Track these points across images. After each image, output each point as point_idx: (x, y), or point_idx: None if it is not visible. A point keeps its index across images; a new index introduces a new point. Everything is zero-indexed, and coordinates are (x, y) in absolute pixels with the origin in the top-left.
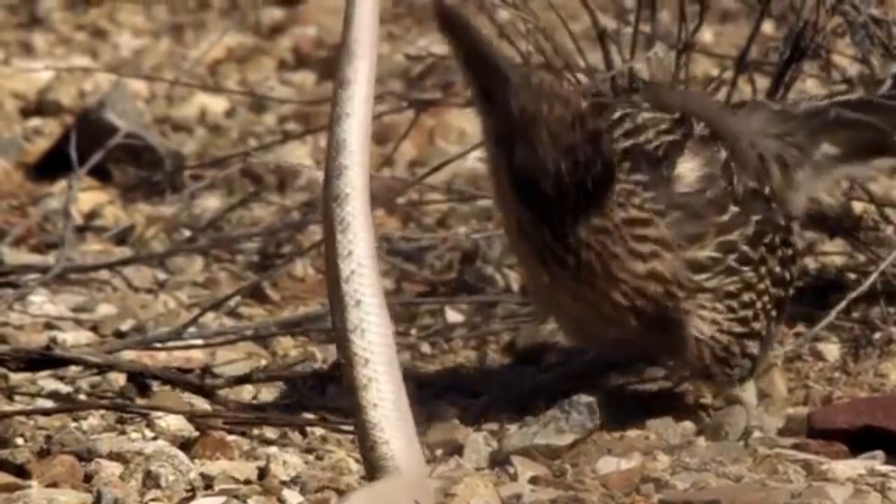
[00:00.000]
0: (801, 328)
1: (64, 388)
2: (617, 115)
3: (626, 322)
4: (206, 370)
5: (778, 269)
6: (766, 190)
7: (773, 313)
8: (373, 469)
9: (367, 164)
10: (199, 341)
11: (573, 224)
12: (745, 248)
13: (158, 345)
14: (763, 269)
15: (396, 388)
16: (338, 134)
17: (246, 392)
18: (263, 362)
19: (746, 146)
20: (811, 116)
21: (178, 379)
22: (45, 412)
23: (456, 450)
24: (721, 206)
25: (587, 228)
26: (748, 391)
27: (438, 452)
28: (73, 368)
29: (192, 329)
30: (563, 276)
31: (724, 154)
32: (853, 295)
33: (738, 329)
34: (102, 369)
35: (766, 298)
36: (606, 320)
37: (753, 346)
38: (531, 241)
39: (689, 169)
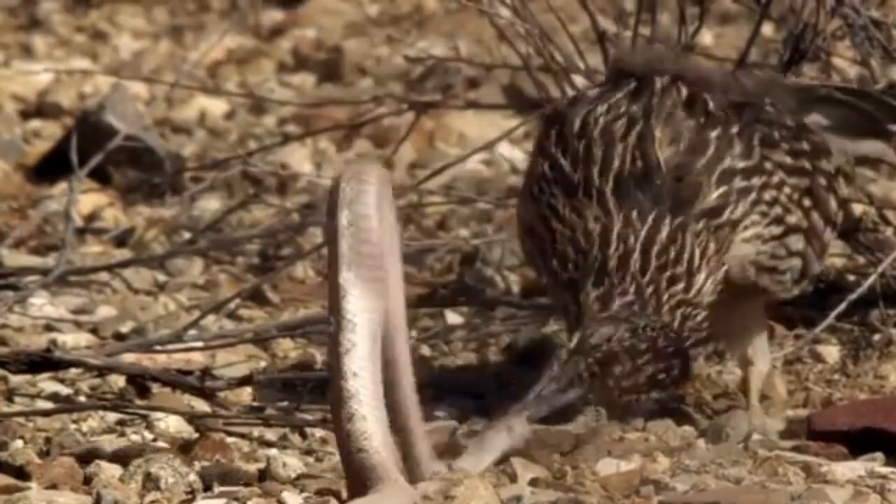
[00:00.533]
0: (800, 330)
1: (64, 390)
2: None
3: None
4: (206, 372)
5: (788, 160)
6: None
7: (807, 203)
8: (348, 443)
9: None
10: (199, 343)
11: None
12: (741, 164)
13: (158, 347)
14: (769, 165)
15: (376, 361)
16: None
17: (246, 394)
18: (263, 364)
19: (722, 80)
20: (801, 90)
21: (177, 381)
22: (46, 413)
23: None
24: (701, 145)
25: None
26: (753, 393)
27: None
28: (73, 370)
29: (192, 331)
30: None
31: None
32: (852, 297)
33: (777, 231)
34: (102, 372)
35: (787, 190)
36: None
37: (798, 242)
38: None
39: (668, 151)
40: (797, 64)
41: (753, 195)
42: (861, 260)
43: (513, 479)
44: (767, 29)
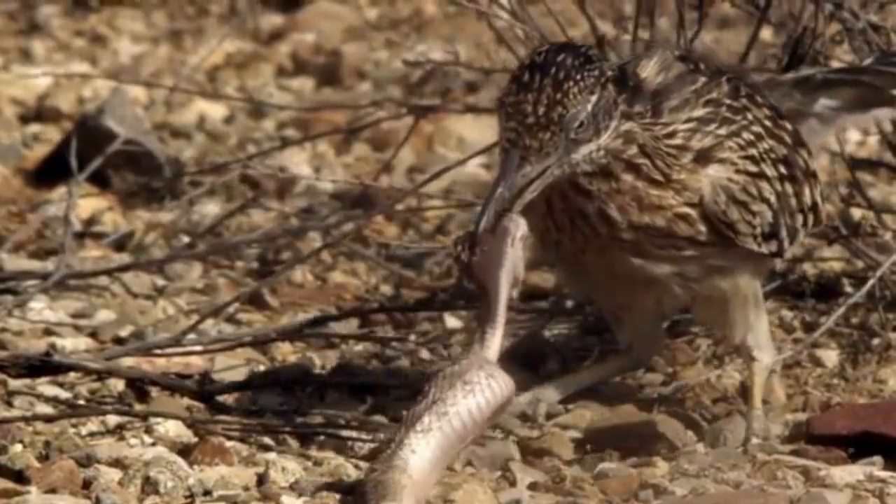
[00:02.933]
0: (799, 334)
1: (63, 394)
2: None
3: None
4: (205, 376)
5: (768, 122)
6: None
7: (783, 169)
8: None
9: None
10: (198, 347)
11: None
12: (727, 100)
13: (157, 351)
14: (750, 115)
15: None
16: None
17: (245, 398)
18: (262, 368)
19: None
20: (799, 83)
21: (176, 385)
22: (45, 419)
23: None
24: (690, 79)
25: None
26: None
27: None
28: (73, 374)
29: (191, 335)
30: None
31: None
32: (851, 301)
33: (752, 168)
34: (101, 375)
35: (765, 145)
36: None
37: (772, 197)
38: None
39: (649, 69)
40: (796, 68)
41: (735, 126)
42: (860, 264)
43: (512, 483)
44: (766, 33)
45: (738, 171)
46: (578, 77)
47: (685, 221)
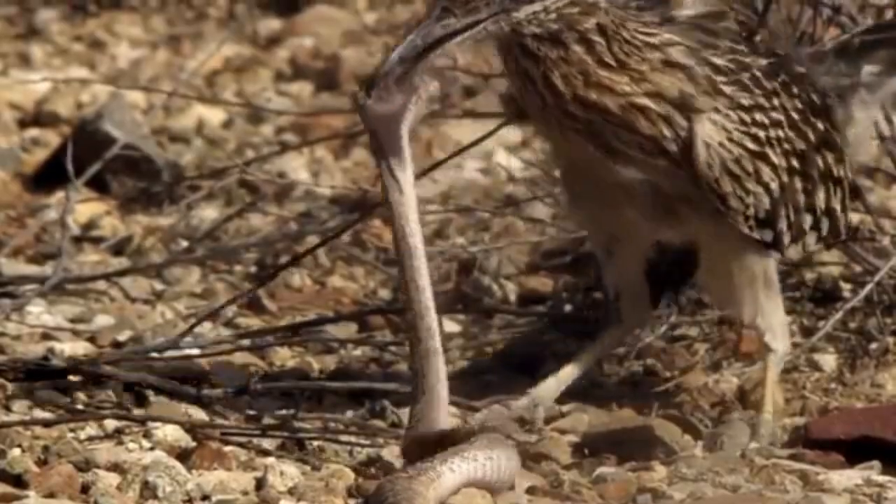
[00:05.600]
0: (797, 339)
1: (62, 399)
2: None
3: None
4: (204, 380)
5: (795, 115)
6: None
7: (795, 163)
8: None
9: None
10: (196, 351)
11: None
12: (758, 73)
13: (156, 355)
14: (777, 101)
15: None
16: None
17: (243, 402)
18: (261, 372)
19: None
20: (839, 51)
21: (174, 389)
22: (44, 423)
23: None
24: (732, 32)
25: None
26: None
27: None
28: (71, 378)
29: (188, 339)
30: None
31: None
32: (849, 305)
33: (750, 145)
34: (100, 379)
35: (780, 133)
36: (618, 153)
37: (773, 183)
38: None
39: (692, 2)
40: None
41: (747, 98)
42: (858, 269)
43: (510, 487)
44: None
45: (731, 141)
46: None
47: (644, 115)
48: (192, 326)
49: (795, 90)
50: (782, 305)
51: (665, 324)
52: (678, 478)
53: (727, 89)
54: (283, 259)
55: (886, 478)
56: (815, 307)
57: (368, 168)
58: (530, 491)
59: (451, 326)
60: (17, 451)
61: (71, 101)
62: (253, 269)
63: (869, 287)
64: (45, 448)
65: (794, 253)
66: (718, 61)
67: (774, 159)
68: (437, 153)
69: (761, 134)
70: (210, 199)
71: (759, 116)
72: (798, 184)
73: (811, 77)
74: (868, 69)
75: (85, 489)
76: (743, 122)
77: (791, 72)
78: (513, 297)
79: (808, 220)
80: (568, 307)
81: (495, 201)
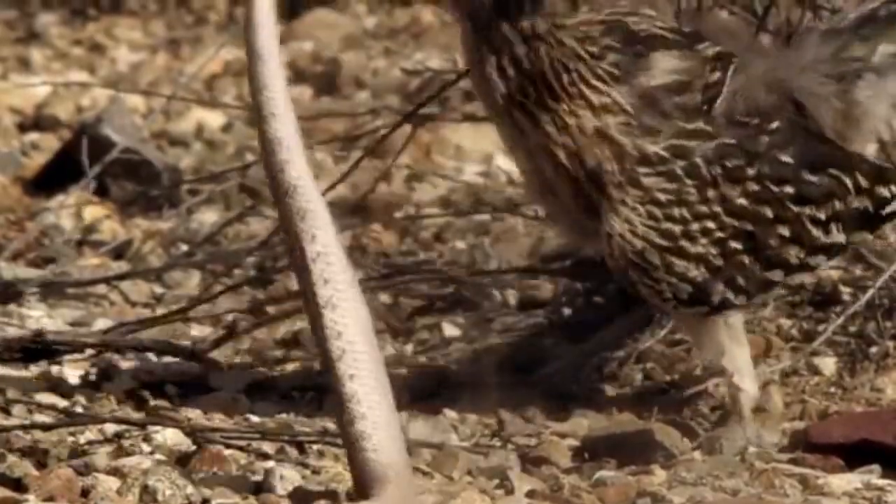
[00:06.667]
0: (797, 343)
1: (61, 403)
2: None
3: (563, 189)
4: (203, 383)
5: (742, 200)
6: (772, 126)
7: (735, 245)
8: (352, 445)
9: (303, 151)
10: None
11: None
12: (698, 160)
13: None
14: (712, 193)
15: (374, 362)
16: (269, 133)
17: (243, 406)
18: (261, 376)
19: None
20: (861, 24)
21: (175, 350)
22: (43, 427)
23: (451, 462)
24: (688, 113)
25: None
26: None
27: (435, 465)
28: (71, 382)
29: (187, 342)
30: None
31: (715, 75)
32: (850, 311)
33: (658, 240)
34: (99, 383)
35: (711, 224)
36: (550, 182)
37: (693, 271)
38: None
39: (664, 64)
40: None
41: (664, 195)
42: (858, 272)
43: (510, 491)
44: (764, 40)
45: (635, 234)
46: None
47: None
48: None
49: (749, 171)
50: (748, 348)
51: (664, 328)
52: (678, 481)
53: (646, 181)
54: (283, 263)
55: (886, 481)
56: (815, 311)
57: (368, 171)
58: (530, 495)
59: (451, 330)
60: (16, 455)
61: (71, 105)
62: (253, 272)
63: (871, 292)
64: (45, 452)
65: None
66: (651, 149)
67: (695, 250)
68: (437, 157)
69: (676, 229)
70: (210, 202)
71: (676, 211)
72: (746, 259)
73: (787, 87)
74: (883, 49)
75: (85, 493)
76: (652, 217)
77: (748, 147)
78: (513, 301)
79: (777, 274)
80: (567, 311)
81: (495, 205)
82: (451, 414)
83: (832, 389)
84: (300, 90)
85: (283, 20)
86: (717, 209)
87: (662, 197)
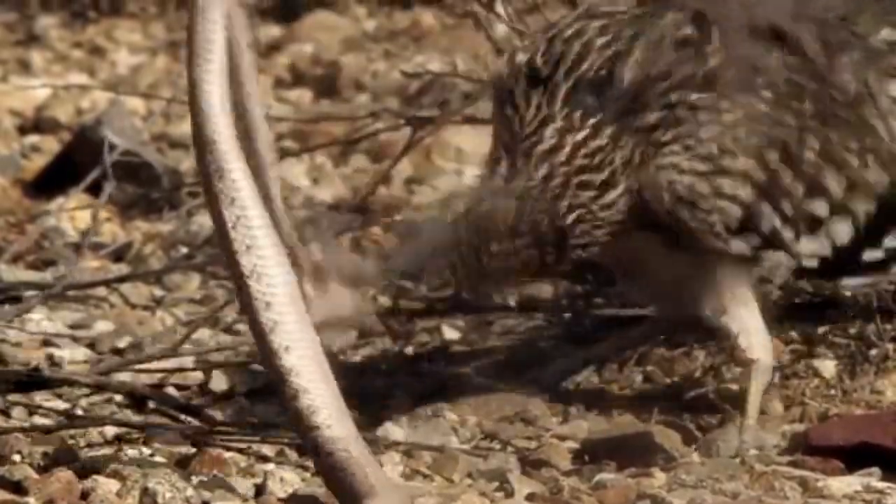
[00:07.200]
0: (797, 345)
1: (61, 405)
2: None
3: None
4: (203, 387)
5: (762, 106)
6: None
7: (772, 156)
8: (299, 420)
9: (229, 120)
10: (195, 357)
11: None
12: (694, 96)
13: (154, 362)
14: (727, 104)
15: (309, 332)
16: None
17: (243, 409)
18: (260, 379)
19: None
20: None
21: (169, 400)
22: (44, 429)
23: (451, 464)
24: (664, 75)
25: None
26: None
27: (435, 468)
28: (67, 388)
29: (187, 345)
30: None
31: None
32: (852, 313)
33: (701, 166)
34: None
35: (739, 133)
36: None
37: (740, 189)
38: None
39: (634, 71)
40: None
41: (687, 127)
42: None
43: (510, 494)
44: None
45: (679, 172)
46: None
47: None
48: (190, 333)
49: (761, 79)
50: (759, 314)
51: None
52: (678, 484)
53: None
54: None
55: (886, 484)
56: (815, 313)
57: (368, 174)
58: (530, 497)
59: (451, 333)
60: (16, 458)
61: (71, 108)
62: None
63: (870, 296)
64: (45, 454)
65: (820, 248)
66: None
67: (735, 165)
68: (437, 159)
69: (711, 150)
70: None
71: (705, 132)
72: (786, 176)
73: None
74: (885, 34)
75: (85, 496)
76: (688, 149)
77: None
78: (512, 303)
79: (821, 207)
80: (567, 315)
81: None
82: (451, 416)
83: (832, 392)
84: (300, 93)
85: (283, 22)
86: (741, 116)
87: (688, 127)
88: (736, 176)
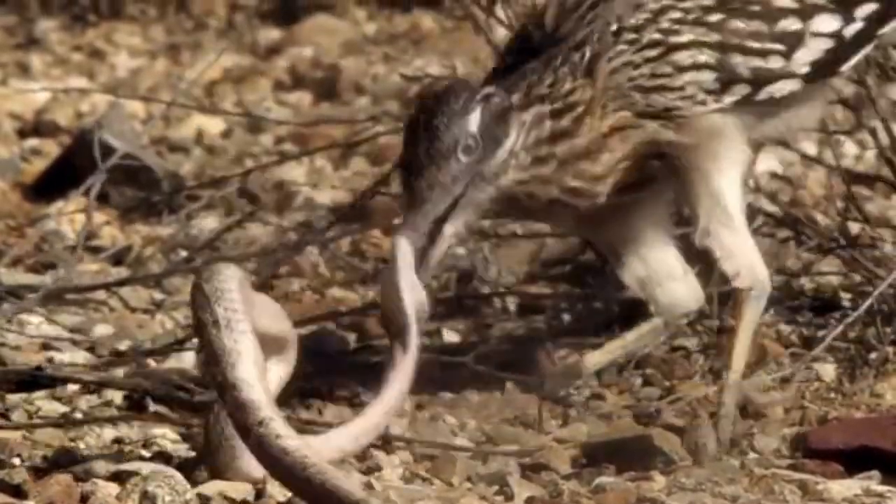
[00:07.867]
0: (797, 348)
1: (61, 408)
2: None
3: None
4: (203, 389)
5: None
6: None
7: (714, 17)
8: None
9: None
10: (194, 358)
11: None
12: None
13: (153, 364)
14: None
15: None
16: None
17: None
18: None
19: None
20: None
21: (170, 396)
22: (43, 432)
23: (451, 468)
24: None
25: None
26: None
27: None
28: (70, 388)
29: (187, 347)
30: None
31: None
32: (849, 320)
33: (652, 52)
34: (96, 388)
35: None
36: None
37: (689, 57)
38: None
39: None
40: None
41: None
42: (857, 278)
43: (510, 497)
44: None
45: (635, 67)
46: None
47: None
48: (190, 335)
49: None
50: (751, 239)
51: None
52: (677, 488)
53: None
54: (283, 268)
55: (885, 487)
56: (815, 317)
57: (367, 177)
58: (529, 501)
59: (451, 336)
60: (16, 461)
61: (70, 111)
62: (252, 278)
63: (870, 300)
64: (44, 458)
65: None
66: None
67: (682, 39)
68: None
69: (655, 36)
70: (209, 208)
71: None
72: (734, 23)
73: None
74: (859, 12)
75: (84, 499)
76: (631, 43)
77: None
78: (512, 307)
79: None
80: (566, 317)
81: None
82: (451, 420)
83: (832, 395)
84: (299, 96)
85: (283, 25)
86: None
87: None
88: (688, 46)
